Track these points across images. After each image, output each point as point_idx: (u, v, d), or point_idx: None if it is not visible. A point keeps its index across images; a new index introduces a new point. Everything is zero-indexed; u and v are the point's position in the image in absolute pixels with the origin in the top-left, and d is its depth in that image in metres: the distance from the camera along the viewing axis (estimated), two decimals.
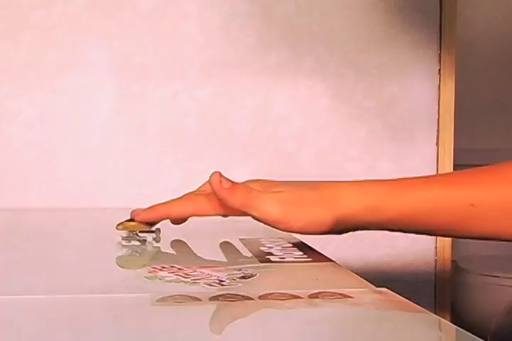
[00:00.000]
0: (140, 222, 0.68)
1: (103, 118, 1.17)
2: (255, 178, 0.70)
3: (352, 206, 0.62)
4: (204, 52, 1.18)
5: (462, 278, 1.94)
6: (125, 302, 0.48)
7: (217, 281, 0.53)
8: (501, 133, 2.39)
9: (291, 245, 0.70)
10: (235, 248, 0.69)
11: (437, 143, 1.25)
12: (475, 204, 0.61)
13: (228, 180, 0.64)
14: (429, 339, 0.42)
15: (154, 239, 0.69)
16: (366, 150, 1.23)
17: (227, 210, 0.66)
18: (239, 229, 0.78)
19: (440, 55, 1.24)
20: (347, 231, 0.65)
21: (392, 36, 1.23)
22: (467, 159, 2.01)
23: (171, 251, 0.72)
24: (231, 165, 1.19)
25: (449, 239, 1.26)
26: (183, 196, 0.69)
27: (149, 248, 0.68)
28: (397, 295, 0.49)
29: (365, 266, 1.23)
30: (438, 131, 1.25)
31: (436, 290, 1.27)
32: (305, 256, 0.65)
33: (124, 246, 0.68)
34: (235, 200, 0.63)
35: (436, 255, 1.26)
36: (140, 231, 0.69)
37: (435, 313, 0.45)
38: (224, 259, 0.65)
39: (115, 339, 0.41)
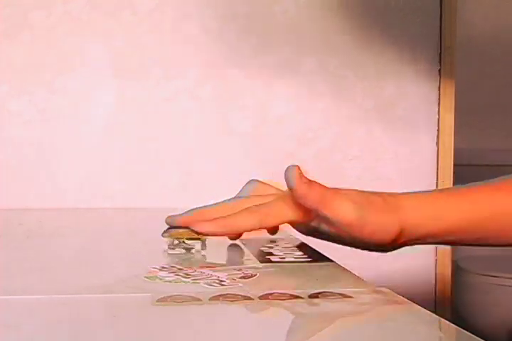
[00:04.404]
0: (190, 230, 0.62)
1: (103, 118, 1.17)
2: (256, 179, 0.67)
3: (415, 215, 0.60)
4: (204, 52, 1.18)
5: (462, 278, 1.94)
6: (125, 302, 0.48)
7: (217, 281, 0.53)
8: (501, 133, 2.39)
9: (291, 245, 0.70)
10: (235, 248, 0.69)
11: (437, 143, 1.25)
12: None
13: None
14: (429, 339, 0.42)
15: (202, 246, 0.65)
16: (366, 150, 1.23)
17: (298, 215, 0.60)
18: None
19: (440, 55, 1.24)
20: (402, 246, 0.63)
21: (392, 36, 1.23)
22: (467, 159, 2.02)
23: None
24: (231, 165, 1.19)
25: None
26: (245, 209, 0.61)
27: (197, 256, 0.64)
28: (397, 295, 0.49)
29: (365, 266, 1.23)
30: (438, 131, 1.25)
31: (436, 290, 1.27)
32: (305, 256, 0.65)
33: (169, 254, 0.64)
34: (314, 197, 0.57)
35: (436, 255, 1.26)
36: (187, 239, 0.64)
37: (435, 313, 0.45)
38: (224, 259, 0.65)
39: (115, 339, 0.41)
